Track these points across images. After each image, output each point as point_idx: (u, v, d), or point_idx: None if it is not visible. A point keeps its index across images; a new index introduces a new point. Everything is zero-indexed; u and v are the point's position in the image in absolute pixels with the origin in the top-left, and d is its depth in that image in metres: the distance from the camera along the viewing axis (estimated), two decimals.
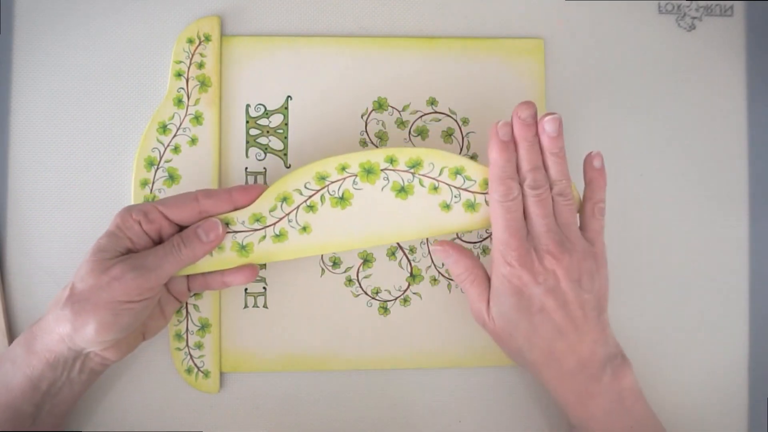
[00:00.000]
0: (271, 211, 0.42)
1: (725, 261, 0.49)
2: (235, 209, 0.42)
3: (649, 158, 0.49)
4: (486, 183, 0.42)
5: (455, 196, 0.42)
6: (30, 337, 0.39)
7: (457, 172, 0.42)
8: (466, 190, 0.42)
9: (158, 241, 0.41)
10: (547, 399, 0.47)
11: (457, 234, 0.47)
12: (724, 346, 0.49)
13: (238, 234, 0.42)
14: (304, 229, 0.42)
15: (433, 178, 0.42)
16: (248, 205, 0.42)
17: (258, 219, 0.42)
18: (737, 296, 0.49)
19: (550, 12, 0.49)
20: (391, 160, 0.42)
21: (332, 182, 0.42)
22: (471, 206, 0.42)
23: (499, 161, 0.41)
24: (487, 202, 0.42)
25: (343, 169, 0.42)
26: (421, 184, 0.42)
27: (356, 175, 0.42)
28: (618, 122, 0.49)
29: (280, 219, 0.42)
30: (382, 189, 0.42)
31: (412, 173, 0.42)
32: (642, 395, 0.41)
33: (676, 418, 0.47)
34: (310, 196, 0.42)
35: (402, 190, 0.42)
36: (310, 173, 0.42)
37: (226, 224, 0.41)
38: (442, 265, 0.47)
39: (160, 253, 0.39)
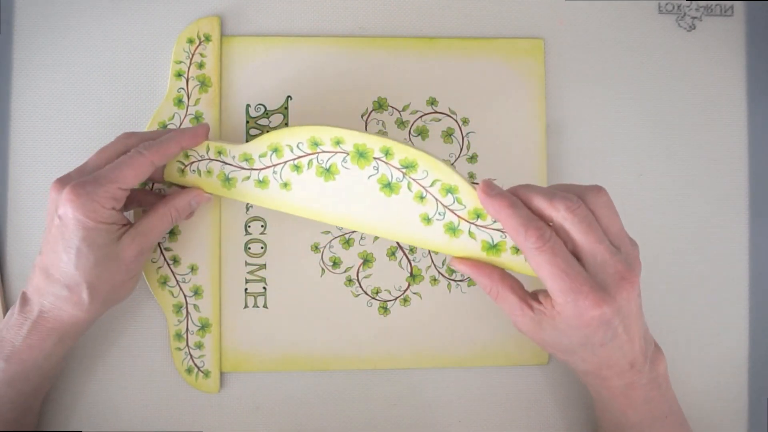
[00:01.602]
0: (260, 156, 0.42)
1: (725, 261, 0.49)
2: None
3: (649, 158, 0.49)
4: (476, 214, 0.39)
5: (439, 213, 0.39)
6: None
7: (450, 190, 0.39)
8: (452, 211, 0.39)
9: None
10: (547, 399, 0.47)
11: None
12: (724, 346, 0.49)
13: (227, 166, 0.42)
14: (285, 185, 0.41)
15: (423, 187, 0.39)
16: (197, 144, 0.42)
17: (247, 159, 0.42)
18: (737, 296, 0.49)
19: (550, 12, 0.49)
20: (387, 152, 0.39)
21: (323, 152, 0.40)
22: (452, 230, 0.39)
23: (510, 210, 0.36)
24: (471, 234, 0.39)
25: (338, 143, 0.40)
26: (409, 188, 0.39)
27: (348, 154, 0.40)
28: (618, 122, 0.49)
29: (267, 167, 0.41)
30: (369, 177, 0.40)
31: (404, 173, 0.39)
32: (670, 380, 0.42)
33: None
34: (299, 157, 0.41)
35: (387, 186, 0.40)
36: (305, 134, 0.40)
37: (219, 153, 0.42)
38: (443, 264, 0.47)
39: (154, 222, 0.41)
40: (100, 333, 0.46)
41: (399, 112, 0.48)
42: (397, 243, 0.47)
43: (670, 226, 0.49)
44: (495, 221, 0.38)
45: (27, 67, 0.47)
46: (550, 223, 0.37)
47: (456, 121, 0.48)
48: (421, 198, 0.39)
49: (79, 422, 0.45)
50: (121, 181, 0.39)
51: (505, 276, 0.39)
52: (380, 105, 0.47)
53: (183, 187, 0.43)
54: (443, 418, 0.47)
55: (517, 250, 0.39)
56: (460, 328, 0.47)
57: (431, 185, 0.39)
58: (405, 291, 0.47)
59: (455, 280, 0.47)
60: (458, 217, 0.39)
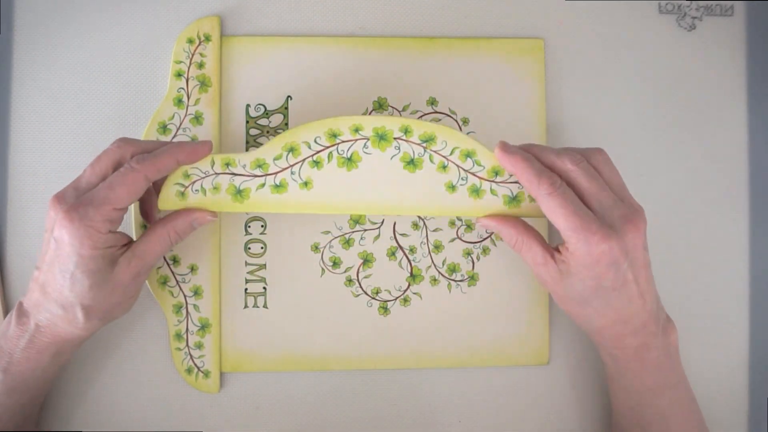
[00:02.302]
0: (275, 159, 0.40)
1: (725, 261, 0.49)
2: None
3: (649, 158, 0.49)
4: (494, 172, 0.41)
5: (462, 179, 0.41)
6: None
7: (468, 155, 0.41)
8: (473, 174, 0.41)
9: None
10: (547, 399, 0.47)
11: (457, 234, 0.47)
12: (724, 346, 0.49)
13: (237, 177, 0.40)
14: (306, 184, 0.41)
15: (444, 156, 0.41)
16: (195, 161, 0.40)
17: (260, 165, 0.40)
18: (737, 296, 0.49)
19: (550, 12, 0.49)
20: (406, 131, 0.41)
21: (343, 141, 0.40)
22: (475, 191, 0.41)
23: (524, 163, 0.39)
24: (492, 191, 0.41)
25: (357, 130, 0.40)
26: (431, 161, 0.41)
27: (368, 139, 0.41)
28: (618, 122, 0.49)
29: (283, 169, 0.41)
30: (392, 158, 0.41)
31: (424, 147, 0.41)
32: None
33: None
34: (318, 152, 0.40)
35: (411, 163, 0.41)
36: (322, 128, 0.40)
37: (226, 165, 0.40)
38: (443, 264, 0.47)
39: (152, 244, 0.40)
40: (100, 333, 0.46)
41: (399, 112, 0.48)
42: (398, 243, 0.47)
43: (670, 226, 0.49)
44: (512, 176, 0.41)
45: (27, 67, 0.47)
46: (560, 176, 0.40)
47: (456, 121, 0.48)
48: (444, 167, 0.41)
49: (79, 422, 0.45)
50: (114, 201, 0.37)
51: (528, 228, 0.41)
52: (380, 105, 0.47)
53: None
54: (443, 418, 0.47)
55: (533, 198, 0.41)
56: (460, 328, 0.47)
57: (451, 154, 0.41)
58: (405, 291, 0.47)
59: (455, 280, 0.47)
60: (479, 178, 0.41)
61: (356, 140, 0.41)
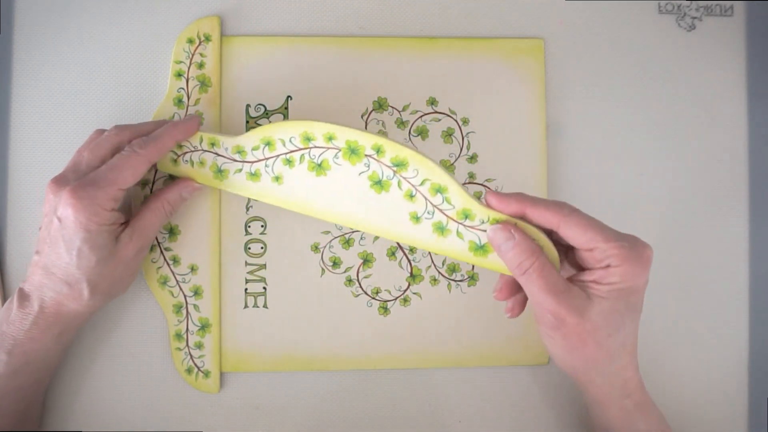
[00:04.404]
0: (253, 149, 0.42)
1: (725, 261, 0.49)
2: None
3: (648, 158, 0.49)
4: (464, 214, 0.39)
5: (428, 212, 0.40)
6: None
7: (439, 190, 0.39)
8: (441, 211, 0.39)
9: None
10: (547, 399, 0.47)
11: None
12: (724, 346, 0.49)
13: (219, 158, 0.42)
14: (277, 179, 0.42)
15: (413, 185, 0.39)
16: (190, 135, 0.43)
17: (240, 151, 0.42)
18: (737, 296, 0.49)
19: (550, 12, 0.49)
20: (378, 150, 0.40)
21: (315, 147, 0.41)
22: (440, 229, 0.40)
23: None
24: (458, 234, 0.39)
25: (330, 138, 0.40)
26: (399, 187, 0.40)
27: (339, 150, 0.40)
28: (618, 122, 0.49)
29: (259, 160, 0.42)
30: (360, 174, 0.40)
31: (394, 171, 0.40)
32: None
33: (676, 417, 0.47)
34: (292, 151, 0.41)
35: (378, 183, 0.40)
36: (297, 129, 0.41)
37: (212, 144, 0.42)
38: (443, 264, 0.47)
39: (149, 218, 0.42)
40: (100, 333, 0.46)
41: (399, 112, 0.48)
42: (398, 243, 0.47)
43: (670, 226, 0.49)
44: (483, 222, 0.39)
45: (27, 66, 0.47)
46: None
47: (456, 121, 0.48)
48: (411, 196, 0.40)
49: (78, 422, 0.45)
50: (120, 182, 0.39)
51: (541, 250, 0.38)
52: (380, 105, 0.47)
53: (174, 179, 0.44)
54: (443, 418, 0.47)
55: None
56: (460, 328, 0.47)
57: (421, 184, 0.39)
58: (405, 291, 0.47)
59: (455, 280, 0.47)
60: (447, 216, 0.39)
61: (328, 148, 0.41)
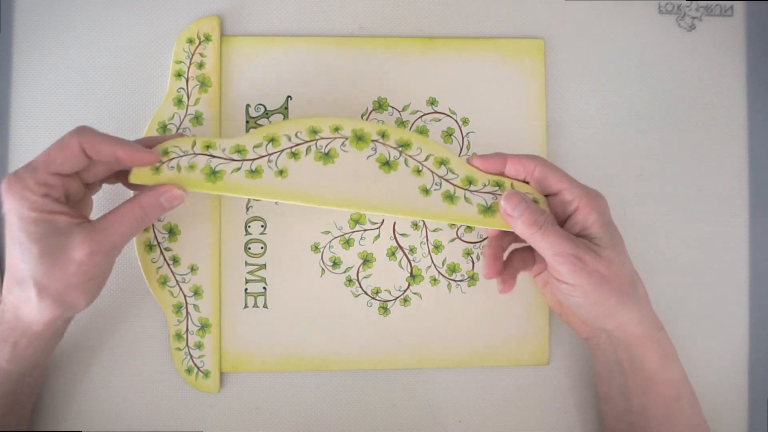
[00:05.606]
0: (255, 147, 0.41)
1: (725, 261, 0.49)
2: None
3: (649, 158, 0.49)
4: (468, 180, 0.42)
5: (436, 184, 0.42)
6: None
7: (442, 162, 0.42)
8: (448, 181, 0.42)
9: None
10: (547, 399, 0.47)
11: (456, 234, 0.47)
12: (724, 346, 0.49)
13: (214, 159, 0.41)
14: (281, 172, 0.41)
15: (419, 161, 0.42)
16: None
17: (239, 150, 0.41)
18: (737, 296, 0.49)
19: (550, 12, 0.49)
20: (383, 134, 0.42)
21: (322, 138, 0.41)
22: (449, 198, 0.42)
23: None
24: (466, 199, 0.42)
25: (336, 129, 0.41)
26: (406, 164, 0.42)
27: (346, 138, 0.42)
28: (618, 122, 0.49)
29: (261, 157, 0.41)
30: (368, 158, 0.42)
31: (400, 151, 0.42)
32: None
33: None
34: (298, 144, 0.41)
35: (386, 164, 0.42)
36: (303, 125, 0.41)
37: (207, 147, 0.41)
38: (443, 264, 0.47)
39: (115, 219, 0.39)
40: (99, 333, 0.46)
41: (399, 112, 0.48)
42: (397, 243, 0.47)
43: (670, 226, 0.49)
44: (485, 185, 0.42)
45: (27, 66, 0.47)
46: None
47: (456, 121, 0.48)
48: (418, 171, 0.42)
49: (78, 422, 0.45)
50: (50, 164, 0.37)
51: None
52: (380, 105, 0.47)
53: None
54: (443, 418, 0.47)
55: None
56: (460, 328, 0.47)
57: (425, 159, 0.42)
58: (405, 291, 0.47)
59: (455, 280, 0.47)
60: (453, 185, 0.42)
61: (335, 138, 0.42)
